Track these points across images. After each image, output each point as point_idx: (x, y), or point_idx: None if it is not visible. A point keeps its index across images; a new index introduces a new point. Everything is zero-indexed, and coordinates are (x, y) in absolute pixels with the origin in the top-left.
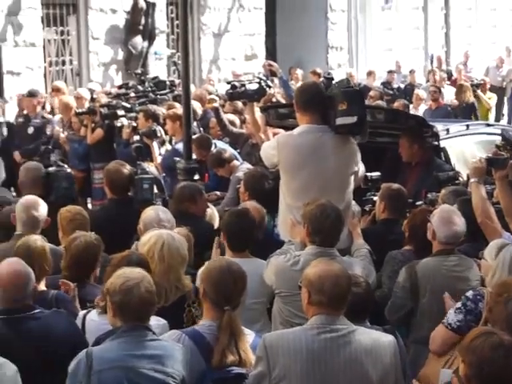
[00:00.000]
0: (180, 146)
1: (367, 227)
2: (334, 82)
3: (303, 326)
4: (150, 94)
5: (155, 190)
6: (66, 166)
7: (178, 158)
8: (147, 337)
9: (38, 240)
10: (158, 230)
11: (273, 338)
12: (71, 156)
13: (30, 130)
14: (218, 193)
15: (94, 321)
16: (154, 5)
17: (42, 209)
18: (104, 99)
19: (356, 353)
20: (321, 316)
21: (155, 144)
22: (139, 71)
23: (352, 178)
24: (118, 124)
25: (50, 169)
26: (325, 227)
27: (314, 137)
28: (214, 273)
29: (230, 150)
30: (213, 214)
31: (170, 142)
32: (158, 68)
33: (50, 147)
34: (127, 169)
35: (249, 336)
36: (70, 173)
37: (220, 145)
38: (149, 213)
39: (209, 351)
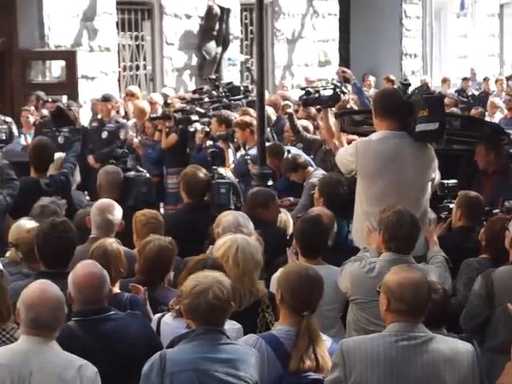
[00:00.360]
0: (253, 152)
1: (443, 234)
2: (411, 88)
3: (381, 333)
4: (224, 100)
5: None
6: (145, 171)
7: (248, 156)
8: (221, 340)
9: (113, 243)
10: (234, 234)
11: (350, 344)
12: (144, 161)
13: (104, 134)
14: (291, 199)
15: (169, 324)
16: (228, 10)
17: (117, 212)
18: (178, 104)
19: (434, 360)
20: (399, 323)
21: (230, 149)
22: (213, 76)
23: (429, 184)
24: (192, 129)
25: (130, 173)
26: (401, 234)
27: (392, 143)
28: (291, 278)
29: (304, 156)
30: (287, 220)
31: (244, 148)
32: (231, 74)
33: (126, 151)
34: (204, 173)
35: (326, 342)
36: (148, 178)
37: (294, 151)
38: (228, 217)
39: (286, 356)
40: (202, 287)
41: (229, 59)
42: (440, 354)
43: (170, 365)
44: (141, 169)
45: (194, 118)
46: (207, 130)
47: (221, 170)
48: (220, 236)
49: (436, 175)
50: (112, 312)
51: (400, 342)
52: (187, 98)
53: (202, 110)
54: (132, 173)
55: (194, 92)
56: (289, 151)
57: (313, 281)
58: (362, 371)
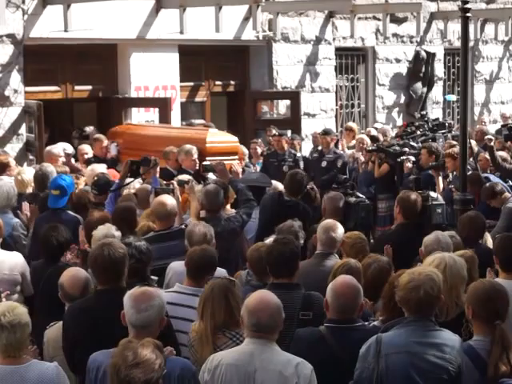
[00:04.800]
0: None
1: None
2: None
3: None
4: (428, 133)
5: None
6: (364, 197)
7: (452, 186)
8: (430, 327)
9: (357, 262)
10: (442, 253)
11: None
12: (361, 183)
13: (324, 163)
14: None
15: None
16: (433, 55)
17: (340, 231)
18: (389, 138)
19: None
20: None
21: (440, 177)
22: (424, 113)
23: None
24: (403, 158)
25: (350, 198)
26: None
27: None
28: (479, 292)
29: (501, 184)
30: (487, 239)
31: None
32: (434, 111)
33: (348, 177)
34: (417, 196)
35: None
36: (368, 204)
37: (492, 178)
38: (429, 236)
39: (482, 365)
40: (415, 284)
41: (445, 99)
42: None
43: (385, 347)
44: (360, 195)
45: (405, 149)
46: (413, 159)
47: (432, 193)
48: (423, 254)
49: None
50: (360, 323)
51: None
52: (387, 133)
53: (415, 144)
54: (353, 198)
55: (407, 126)
56: (487, 178)
57: (498, 292)
58: None
